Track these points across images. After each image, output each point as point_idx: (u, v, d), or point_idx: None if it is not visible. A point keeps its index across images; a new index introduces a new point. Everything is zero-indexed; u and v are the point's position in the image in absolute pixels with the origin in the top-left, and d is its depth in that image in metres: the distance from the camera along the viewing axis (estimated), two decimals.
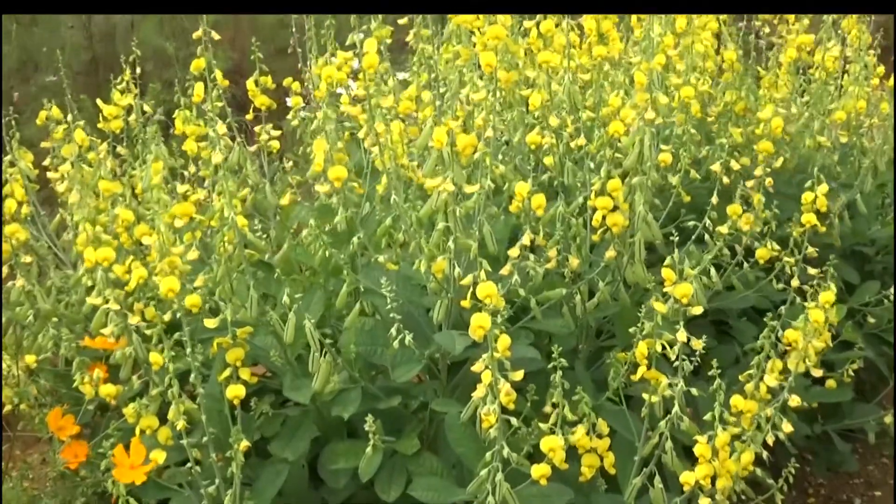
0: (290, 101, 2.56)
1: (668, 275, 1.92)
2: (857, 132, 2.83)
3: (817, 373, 1.96)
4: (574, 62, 2.25)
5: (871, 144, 2.87)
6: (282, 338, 1.98)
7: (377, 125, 1.97)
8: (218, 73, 2.08)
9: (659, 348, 1.83)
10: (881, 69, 2.96)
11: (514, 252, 1.95)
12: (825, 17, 2.86)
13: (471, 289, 1.73)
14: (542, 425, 1.76)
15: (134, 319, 2.01)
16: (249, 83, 2.36)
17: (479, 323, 1.63)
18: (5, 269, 2.22)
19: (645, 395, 1.84)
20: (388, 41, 2.21)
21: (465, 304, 1.76)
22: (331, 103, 2.05)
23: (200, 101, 2.06)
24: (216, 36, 2.05)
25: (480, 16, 2.12)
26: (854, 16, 2.91)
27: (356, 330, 2.01)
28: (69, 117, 2.33)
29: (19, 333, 2.25)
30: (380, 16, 2.08)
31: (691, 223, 2.22)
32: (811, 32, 2.78)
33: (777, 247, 2.26)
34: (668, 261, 1.98)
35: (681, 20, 2.40)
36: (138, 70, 2.54)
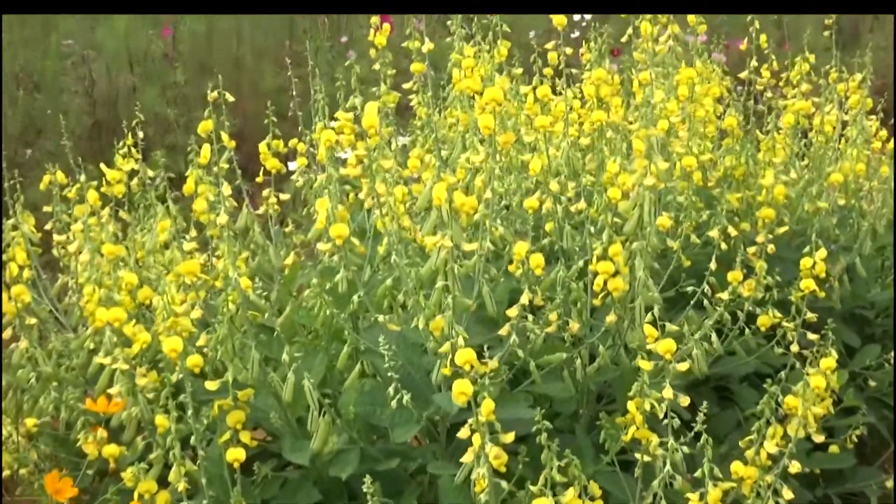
0: (291, 165, 2.60)
1: (649, 331, 1.95)
2: (856, 195, 2.86)
3: (819, 438, 1.98)
4: (573, 128, 2.29)
5: (870, 207, 2.90)
6: (282, 399, 2.00)
7: (378, 186, 2.00)
8: (225, 136, 2.12)
9: (648, 407, 1.85)
10: (883, 133, 3.01)
11: (512, 312, 1.98)
12: (823, 81, 2.91)
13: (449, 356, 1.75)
14: (532, 487, 1.78)
15: (141, 380, 2.03)
16: (262, 146, 2.40)
17: (461, 389, 1.65)
18: (8, 332, 2.25)
19: (637, 455, 1.86)
20: (392, 105, 2.26)
21: (445, 371, 1.78)
22: (333, 164, 2.09)
23: (207, 162, 2.10)
24: (230, 97, 2.09)
25: (480, 80, 2.17)
26: (854, 81, 2.96)
27: (356, 391, 2.03)
28: (81, 177, 2.37)
29: (20, 397, 2.27)
30: (387, 83, 2.13)
31: (691, 288, 2.24)
32: (811, 97, 2.82)
33: (779, 314, 2.28)
34: (648, 317, 2.00)
35: (682, 88, 2.45)
36: (140, 135, 2.58)
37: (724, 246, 2.29)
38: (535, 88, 2.41)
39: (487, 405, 1.65)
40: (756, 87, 2.85)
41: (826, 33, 2.89)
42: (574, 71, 2.53)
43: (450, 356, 1.76)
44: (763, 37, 2.80)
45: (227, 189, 2.04)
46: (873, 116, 2.99)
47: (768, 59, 2.84)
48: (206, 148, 2.13)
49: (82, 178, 2.38)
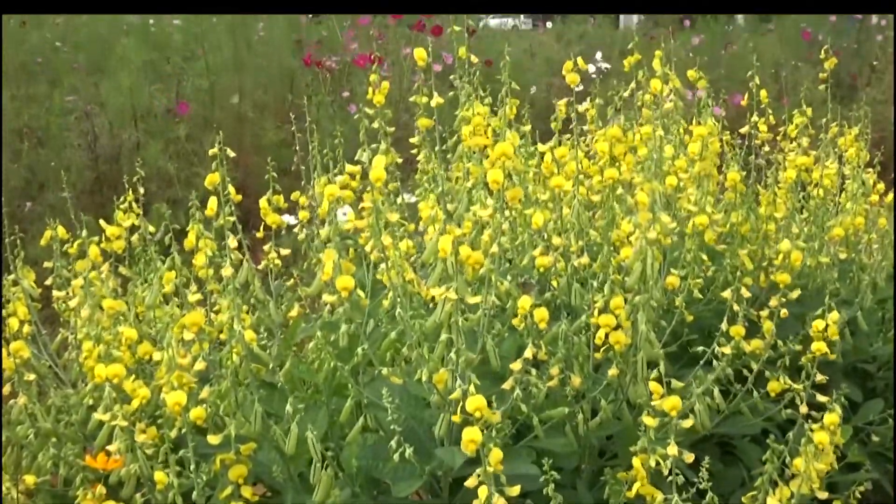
0: (291, 219, 2.60)
1: (654, 388, 1.93)
2: (856, 248, 2.86)
3: (822, 495, 1.95)
4: (584, 186, 2.29)
5: (870, 260, 2.90)
6: (284, 453, 1.98)
7: (384, 238, 2.00)
8: (231, 189, 2.12)
9: (653, 463, 1.83)
10: (881, 185, 3.02)
11: (516, 366, 1.97)
12: (822, 135, 2.92)
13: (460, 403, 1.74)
14: None
15: (140, 436, 2.01)
16: (262, 201, 2.40)
17: (471, 437, 1.64)
18: (7, 388, 2.23)
19: None
20: (399, 160, 2.27)
21: (456, 418, 1.77)
22: (335, 218, 2.08)
23: (213, 215, 2.10)
24: (231, 153, 2.09)
25: (490, 137, 2.18)
26: (852, 134, 2.97)
27: (358, 444, 2.02)
28: (83, 233, 2.36)
29: (18, 453, 2.25)
30: (388, 139, 2.14)
31: (700, 348, 2.23)
32: (810, 150, 2.83)
33: (789, 381, 2.26)
34: (654, 374, 1.99)
35: (694, 146, 2.45)
36: (141, 190, 2.58)
37: (736, 307, 2.27)
38: (552, 149, 2.42)
39: (496, 455, 1.64)
40: (755, 142, 2.85)
41: (822, 87, 2.91)
42: (583, 127, 2.54)
43: (460, 403, 1.75)
44: (763, 92, 2.81)
45: (232, 241, 2.04)
46: (870, 169, 2.99)
47: (765, 113, 2.85)
48: (213, 200, 2.13)
49: (83, 233, 2.37)
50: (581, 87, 2.40)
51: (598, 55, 6.72)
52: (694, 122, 2.70)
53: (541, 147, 2.50)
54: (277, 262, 2.44)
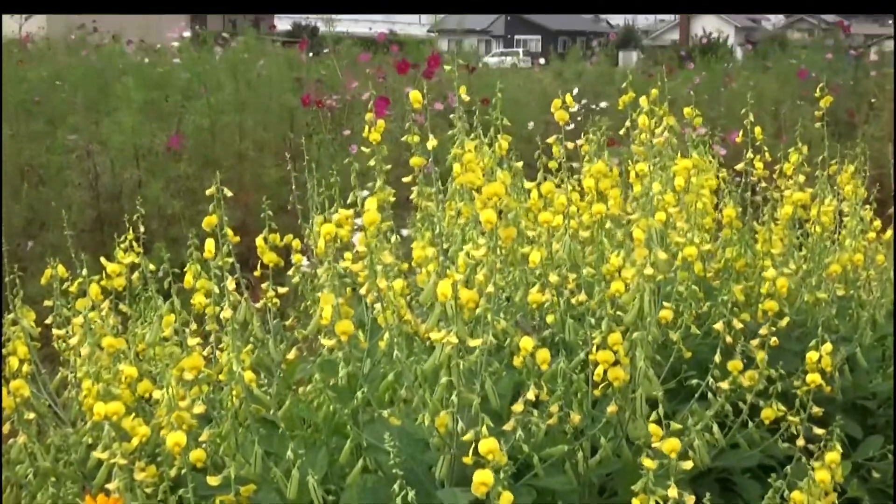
0: (293, 259, 2.61)
1: (654, 430, 1.93)
2: (855, 285, 2.87)
3: None
4: (574, 221, 2.30)
5: (869, 297, 2.90)
6: (285, 495, 1.97)
7: (379, 281, 2.00)
8: (229, 230, 2.13)
9: None
10: (878, 223, 3.02)
11: (517, 407, 1.97)
12: (819, 172, 2.93)
13: (473, 445, 1.74)
14: None
15: (139, 475, 2.01)
16: (259, 240, 2.41)
17: (482, 479, 1.63)
18: (6, 427, 2.23)
19: None
20: (392, 199, 2.27)
21: (468, 460, 1.77)
22: (332, 258, 2.09)
23: (212, 256, 2.10)
24: (228, 192, 2.10)
25: (482, 174, 2.18)
26: (849, 171, 2.98)
27: (358, 487, 2.01)
28: (83, 272, 2.37)
29: (18, 492, 2.25)
30: (383, 176, 2.14)
31: (695, 381, 2.24)
32: (807, 187, 2.84)
33: (783, 407, 2.27)
34: (653, 415, 1.99)
35: (679, 179, 2.47)
36: (142, 229, 2.59)
37: (728, 339, 2.28)
38: (539, 185, 2.43)
39: (506, 497, 1.64)
40: (752, 179, 2.87)
41: (818, 125, 2.92)
42: (574, 165, 2.55)
43: (472, 445, 1.75)
44: (758, 129, 2.82)
45: (231, 283, 2.04)
46: (867, 206, 3.00)
47: (762, 150, 2.86)
48: (209, 242, 2.13)
49: (84, 272, 2.38)
50: (573, 126, 2.42)
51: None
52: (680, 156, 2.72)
53: (527, 184, 2.51)
54: (276, 301, 2.44)
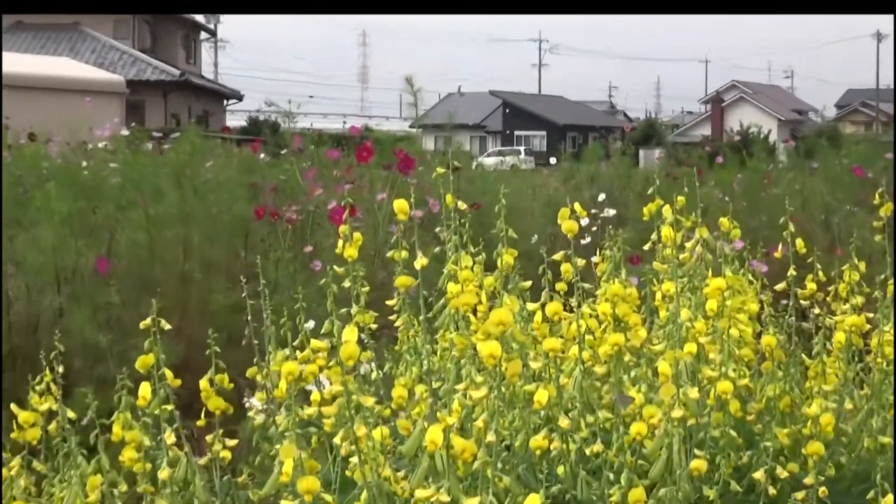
0: (246, 402, 2.60)
1: None
2: None
3: None
4: (587, 352, 2.30)
5: None
6: None
7: (357, 428, 1.99)
8: (168, 371, 2.12)
9: None
10: None
11: None
12: (880, 293, 2.94)
13: None
14: None
15: None
16: (203, 383, 2.40)
17: None
18: None
19: None
20: (373, 326, 2.27)
21: None
22: (297, 403, 2.08)
23: (146, 403, 2.09)
24: (166, 325, 2.10)
25: (483, 299, 2.19)
26: None
27: None
28: None
29: None
30: (362, 301, 2.15)
31: None
32: (866, 312, 2.84)
33: None
34: None
35: (711, 303, 2.47)
36: (61, 368, 2.57)
37: (771, 491, 2.27)
38: (543, 305, 2.43)
39: None
40: (801, 302, 2.87)
41: (878, 237, 2.93)
42: (587, 285, 2.55)
43: None
44: (800, 241, 2.83)
45: (169, 437, 2.03)
46: None
47: (813, 267, 2.87)
48: (144, 386, 2.12)
49: None
50: (589, 240, 2.43)
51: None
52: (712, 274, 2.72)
53: (530, 305, 2.51)
54: (225, 454, 2.43)
